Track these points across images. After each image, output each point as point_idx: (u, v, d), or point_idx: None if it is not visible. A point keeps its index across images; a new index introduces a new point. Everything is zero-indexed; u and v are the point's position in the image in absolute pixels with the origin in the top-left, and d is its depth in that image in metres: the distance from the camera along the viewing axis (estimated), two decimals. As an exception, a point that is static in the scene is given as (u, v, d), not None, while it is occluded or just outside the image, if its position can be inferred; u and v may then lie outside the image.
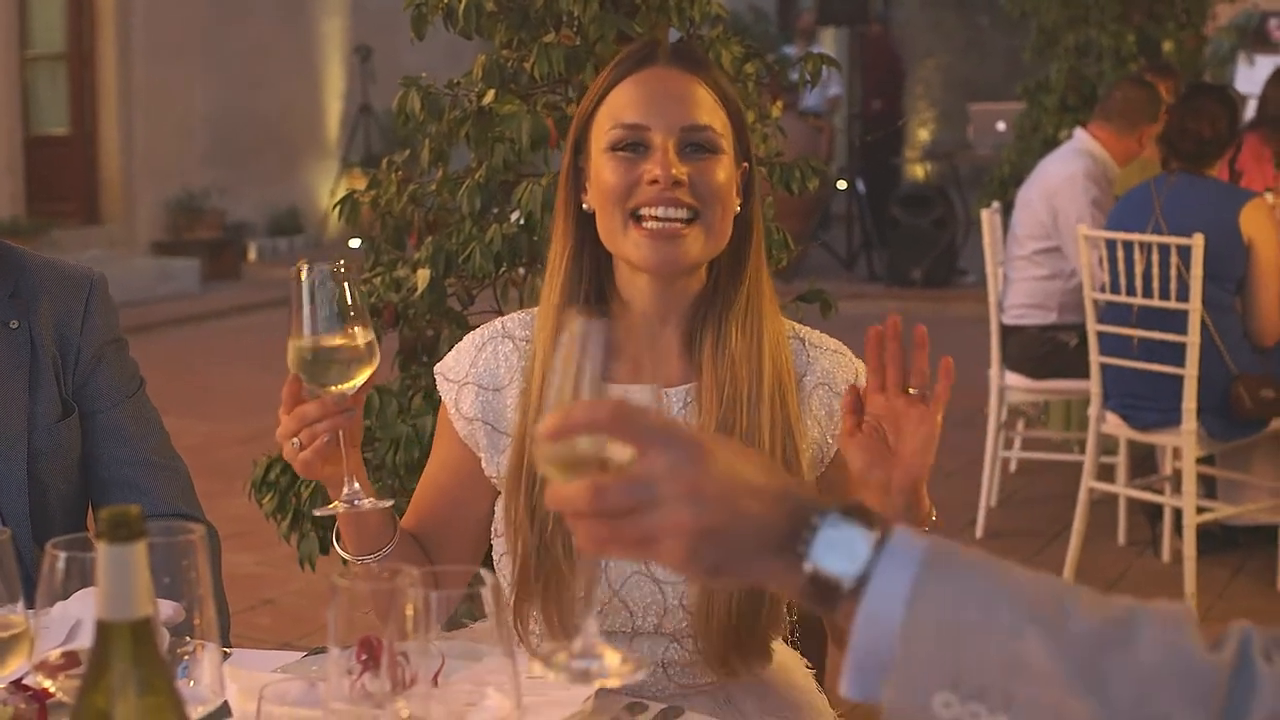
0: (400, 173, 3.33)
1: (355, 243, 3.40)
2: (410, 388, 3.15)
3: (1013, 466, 6.61)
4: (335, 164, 14.04)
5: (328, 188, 13.76)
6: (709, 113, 2.09)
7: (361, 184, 3.40)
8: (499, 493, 2.15)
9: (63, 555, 1.39)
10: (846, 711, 2.22)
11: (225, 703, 1.64)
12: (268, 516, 3.26)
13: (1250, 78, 13.71)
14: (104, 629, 1.15)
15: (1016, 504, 6.29)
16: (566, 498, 1.17)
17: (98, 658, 1.15)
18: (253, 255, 13.03)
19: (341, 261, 1.87)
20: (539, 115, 3.06)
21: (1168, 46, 7.97)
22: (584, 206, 2.13)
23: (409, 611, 1.29)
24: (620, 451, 1.16)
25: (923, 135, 17.90)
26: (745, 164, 2.14)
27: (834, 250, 12.60)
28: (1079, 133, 6.07)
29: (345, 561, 2.10)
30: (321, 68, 14.16)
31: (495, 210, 3.17)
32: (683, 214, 2.04)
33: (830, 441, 2.13)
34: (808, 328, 2.20)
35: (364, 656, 1.41)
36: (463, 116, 3.16)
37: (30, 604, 1.50)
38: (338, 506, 1.95)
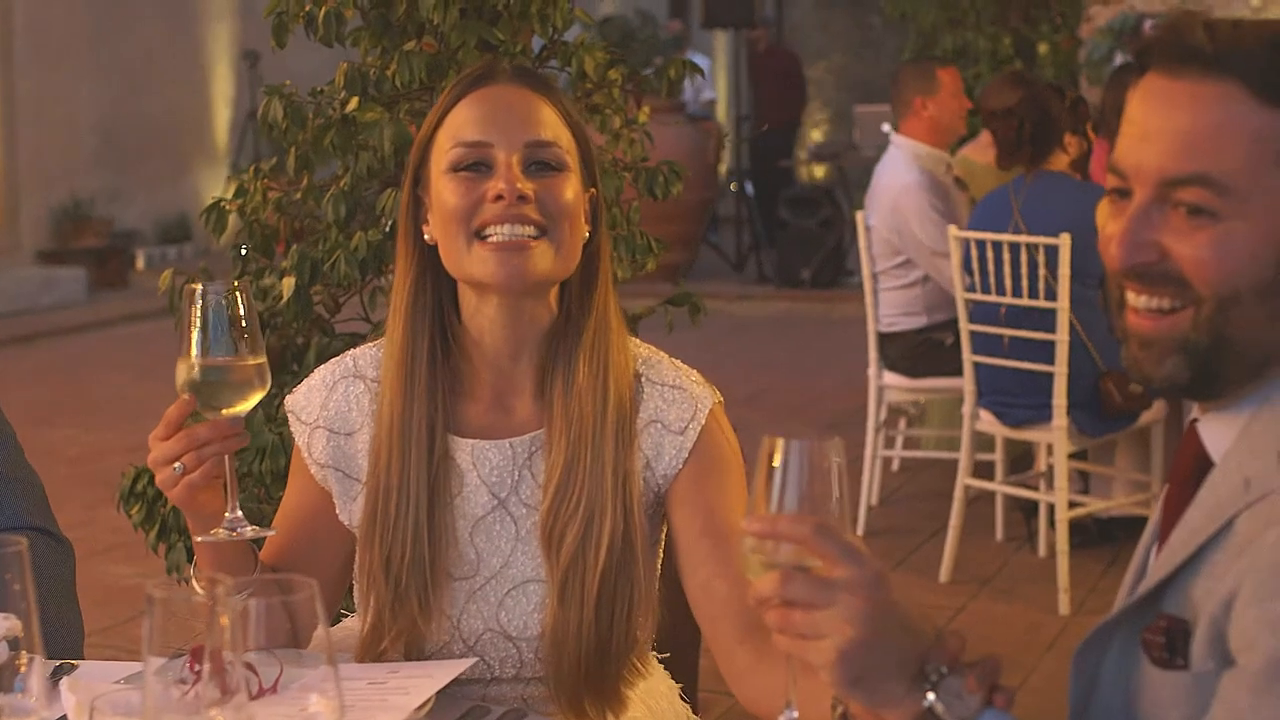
0: (267, 181, 3.33)
1: (243, 249, 3.38)
2: (277, 396, 3.15)
3: (895, 465, 6.70)
4: (224, 170, 13.90)
5: (217, 194, 13.54)
6: (553, 130, 2.02)
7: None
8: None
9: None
10: None
11: (64, 716, 1.64)
12: (136, 527, 3.25)
13: (1130, 79, 13.86)
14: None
15: (897, 502, 6.37)
16: (762, 585, 1.38)
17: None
18: (141, 264, 12.83)
19: (236, 281, 1.85)
20: (402, 123, 3.07)
21: (1043, 49, 8.11)
22: (425, 238, 2.04)
23: (224, 621, 1.30)
24: (815, 563, 1.38)
25: (815, 136, 18.04)
26: (593, 189, 2.07)
27: (724, 252, 12.67)
28: (895, 137, 6.11)
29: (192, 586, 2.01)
30: (209, 73, 14.02)
31: (360, 217, 3.18)
32: (530, 230, 1.96)
33: (660, 481, 2.04)
34: (656, 358, 2.10)
35: (196, 666, 1.43)
36: (326, 124, 3.16)
37: None
38: (219, 533, 1.90)
